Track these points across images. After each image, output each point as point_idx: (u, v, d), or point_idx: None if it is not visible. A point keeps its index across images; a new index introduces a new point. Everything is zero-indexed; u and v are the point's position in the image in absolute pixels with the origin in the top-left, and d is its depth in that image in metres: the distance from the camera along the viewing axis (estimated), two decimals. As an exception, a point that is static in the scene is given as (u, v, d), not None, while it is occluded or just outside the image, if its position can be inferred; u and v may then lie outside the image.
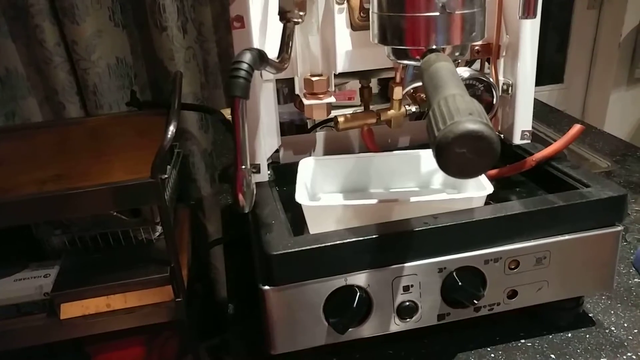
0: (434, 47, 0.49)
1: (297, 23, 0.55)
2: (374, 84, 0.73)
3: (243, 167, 0.44)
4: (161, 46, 1.01)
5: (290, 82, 0.64)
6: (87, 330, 0.70)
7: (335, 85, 0.84)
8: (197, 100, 1.07)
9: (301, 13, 0.54)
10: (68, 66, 0.99)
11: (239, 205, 0.45)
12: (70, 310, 0.69)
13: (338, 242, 0.50)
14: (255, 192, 0.45)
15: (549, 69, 1.89)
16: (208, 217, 1.14)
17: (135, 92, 1.01)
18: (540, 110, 1.32)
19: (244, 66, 0.42)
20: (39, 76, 0.99)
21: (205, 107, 1.06)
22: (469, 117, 0.37)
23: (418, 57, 0.50)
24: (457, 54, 0.52)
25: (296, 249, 0.49)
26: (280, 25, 0.55)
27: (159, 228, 0.76)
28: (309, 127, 0.85)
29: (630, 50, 1.76)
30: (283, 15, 0.54)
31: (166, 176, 0.70)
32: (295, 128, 0.82)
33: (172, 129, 0.65)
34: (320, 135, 0.72)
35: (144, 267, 0.70)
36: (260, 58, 0.44)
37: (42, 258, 0.74)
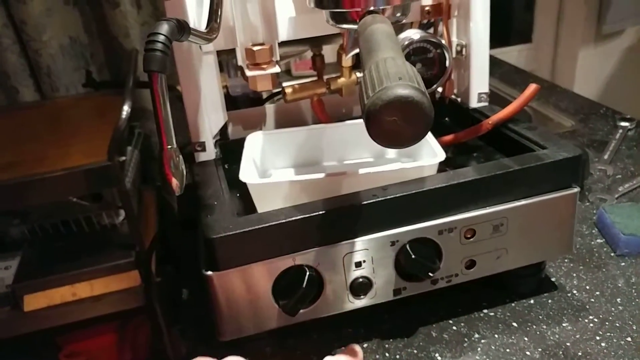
0: (372, 8, 0.46)
1: (228, -11, 0.52)
2: (333, 51, 0.69)
3: (169, 147, 0.41)
4: (115, 23, 0.97)
5: (233, 53, 0.61)
6: (54, 321, 0.68)
7: (294, 55, 0.80)
8: (155, 78, 1.03)
9: (231, -22, 0.51)
10: (18, 48, 0.95)
11: (170, 188, 0.43)
12: (34, 301, 0.67)
13: (283, 220, 0.47)
14: (185, 173, 0.43)
15: (517, 29, 1.83)
16: (175, 198, 1.11)
17: (91, 73, 0.98)
18: (506, 71, 1.29)
19: (161, 38, 0.39)
20: (-13, 60, 0.95)
21: (162, 84, 1.02)
22: (398, 82, 0.35)
23: (357, 20, 0.47)
24: (398, 14, 0.49)
25: (238, 231, 0.46)
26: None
27: (123, 212, 0.74)
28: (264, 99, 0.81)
29: (597, 5, 1.70)
30: (211, -19, 0.50)
31: (125, 158, 0.67)
32: (249, 101, 0.79)
33: (126, 108, 0.64)
34: (270, 108, 0.69)
35: (109, 253, 0.69)
36: (180, 28, 0.41)
37: (1, 250, 0.72)
